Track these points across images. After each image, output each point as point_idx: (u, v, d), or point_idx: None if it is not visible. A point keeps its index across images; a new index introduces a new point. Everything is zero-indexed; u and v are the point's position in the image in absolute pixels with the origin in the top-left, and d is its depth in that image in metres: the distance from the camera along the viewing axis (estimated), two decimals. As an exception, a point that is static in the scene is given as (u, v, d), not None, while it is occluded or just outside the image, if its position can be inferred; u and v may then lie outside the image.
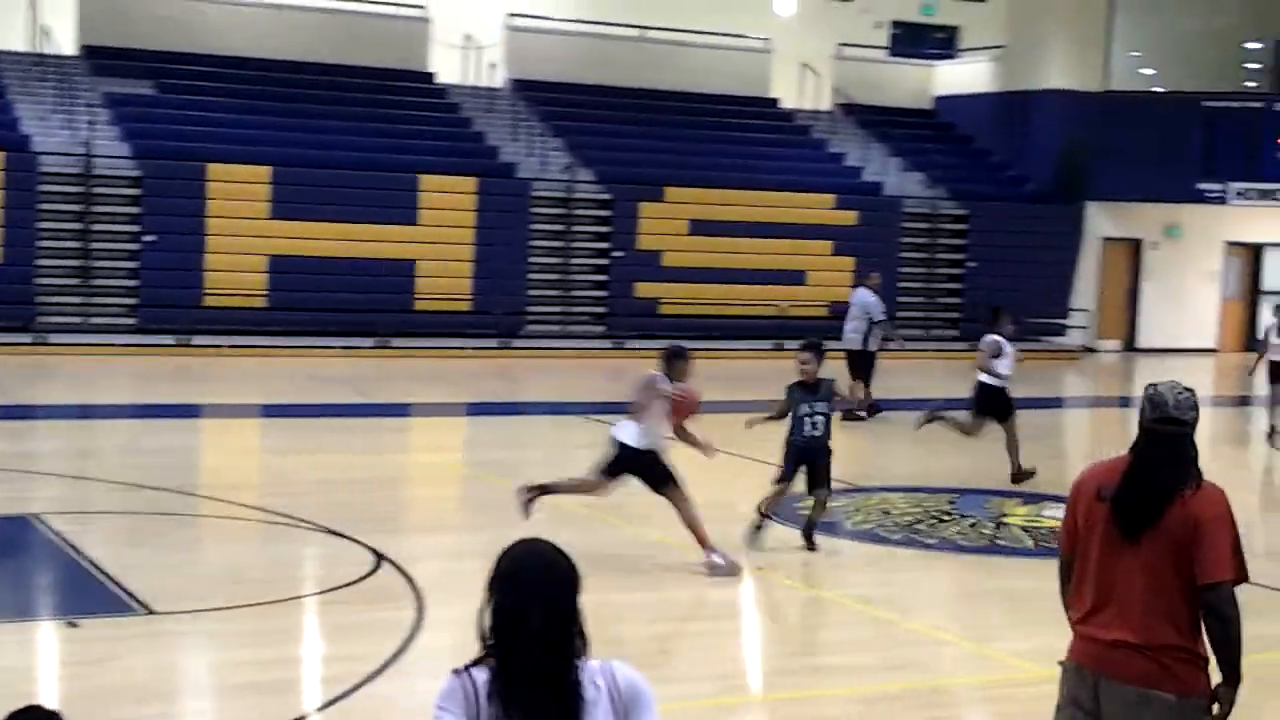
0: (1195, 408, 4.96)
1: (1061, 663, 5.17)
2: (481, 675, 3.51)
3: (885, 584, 10.98)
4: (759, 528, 11.34)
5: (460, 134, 28.94)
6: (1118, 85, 32.47)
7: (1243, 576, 4.85)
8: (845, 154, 31.96)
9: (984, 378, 15.03)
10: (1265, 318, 24.08)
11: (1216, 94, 31.64)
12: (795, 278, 28.84)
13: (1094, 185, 31.55)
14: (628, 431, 10.45)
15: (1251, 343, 32.63)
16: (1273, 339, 19.09)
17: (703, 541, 10.43)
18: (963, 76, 34.15)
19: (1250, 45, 35.80)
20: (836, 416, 12.82)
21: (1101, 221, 31.94)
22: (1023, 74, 32.68)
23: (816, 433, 11.21)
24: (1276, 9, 33.32)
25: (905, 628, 9.67)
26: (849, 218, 29.60)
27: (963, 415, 15.34)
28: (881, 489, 14.29)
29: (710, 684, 8.31)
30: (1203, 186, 30.53)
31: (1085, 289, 31.76)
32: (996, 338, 15.06)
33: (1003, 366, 14.96)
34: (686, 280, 28.03)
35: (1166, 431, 4.91)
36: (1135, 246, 32.55)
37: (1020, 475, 14.72)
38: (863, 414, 18.87)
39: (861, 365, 19.24)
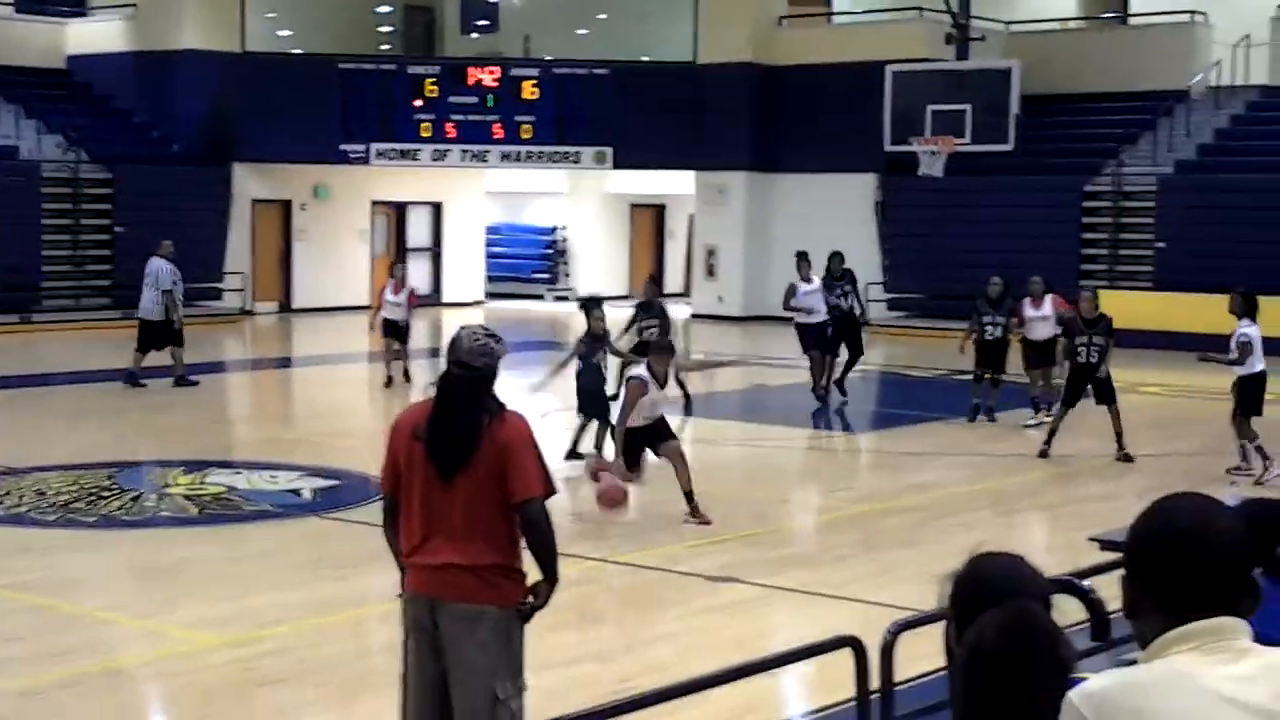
0: (489, 355, 5.26)
1: (400, 595, 5.40)
2: None
3: (43, 569, 10.29)
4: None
5: None
6: (256, 47, 32.45)
7: (551, 490, 5.29)
8: (-26, 117, 29.88)
9: (800, 318, 18.05)
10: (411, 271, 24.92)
11: (352, 56, 32.40)
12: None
13: (241, 147, 31.44)
14: None
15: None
16: (389, 297, 19.89)
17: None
18: (96, 36, 32.93)
19: (381, 9, 37.01)
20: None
21: (251, 183, 31.87)
22: (159, 34, 31.89)
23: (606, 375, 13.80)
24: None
25: (67, 612, 9.10)
26: (-18, 184, 27.73)
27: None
28: (36, 469, 13.45)
29: None
30: (346, 148, 31.19)
31: (239, 252, 31.60)
32: (817, 287, 17.97)
33: (821, 307, 17.98)
34: None
35: (459, 375, 5.25)
36: (286, 208, 32.79)
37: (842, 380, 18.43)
38: (195, 380, 19.38)
39: (166, 334, 19.23)
